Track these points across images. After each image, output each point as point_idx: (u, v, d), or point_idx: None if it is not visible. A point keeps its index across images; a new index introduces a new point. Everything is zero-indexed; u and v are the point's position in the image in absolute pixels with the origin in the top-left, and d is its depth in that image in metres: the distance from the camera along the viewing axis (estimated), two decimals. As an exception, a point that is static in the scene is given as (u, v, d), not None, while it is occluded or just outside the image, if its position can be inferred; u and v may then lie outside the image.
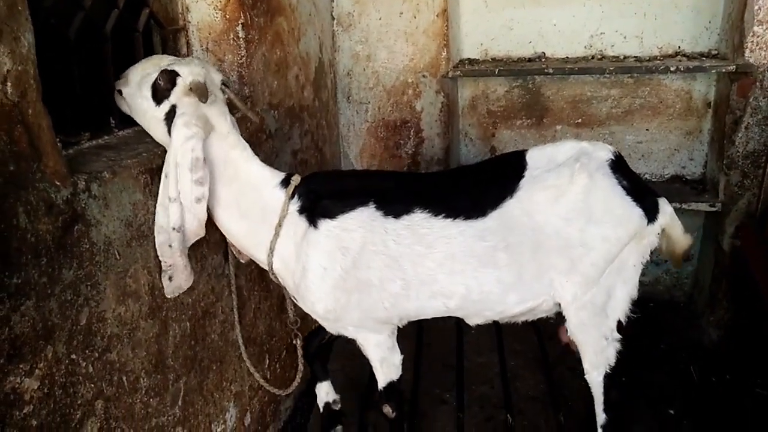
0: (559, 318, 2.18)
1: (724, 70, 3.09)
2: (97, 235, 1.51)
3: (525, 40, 3.61)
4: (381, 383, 2.26)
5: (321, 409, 2.52)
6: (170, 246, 1.75)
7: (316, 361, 2.47)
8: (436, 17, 3.32)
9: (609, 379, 2.21)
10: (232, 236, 2.03)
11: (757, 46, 2.94)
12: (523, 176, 2.04)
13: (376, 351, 2.19)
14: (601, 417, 2.27)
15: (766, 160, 3.03)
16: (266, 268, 2.04)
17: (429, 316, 2.16)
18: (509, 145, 3.74)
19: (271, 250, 1.98)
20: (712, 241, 3.33)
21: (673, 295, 3.75)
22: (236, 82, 2.37)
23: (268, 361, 2.60)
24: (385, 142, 3.58)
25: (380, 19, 3.38)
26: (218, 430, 2.18)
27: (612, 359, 2.18)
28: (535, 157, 2.09)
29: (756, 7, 2.89)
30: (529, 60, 3.60)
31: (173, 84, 1.78)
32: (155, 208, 1.75)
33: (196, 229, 1.81)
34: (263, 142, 2.45)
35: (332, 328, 2.15)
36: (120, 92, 1.88)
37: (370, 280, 1.99)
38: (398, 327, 2.21)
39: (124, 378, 1.64)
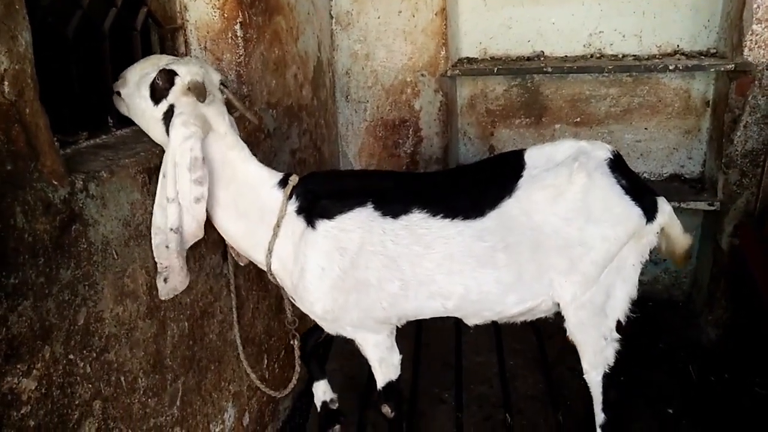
0: (558, 318, 2.17)
1: (722, 69, 3.09)
2: (94, 234, 1.51)
3: (524, 39, 3.60)
4: (380, 383, 2.26)
5: (318, 409, 2.52)
6: (167, 247, 1.74)
7: (313, 360, 2.46)
8: (434, 16, 3.32)
9: (608, 378, 2.21)
10: (230, 237, 2.03)
11: (755, 44, 2.94)
12: (521, 176, 2.04)
13: (374, 351, 2.19)
14: (600, 416, 2.27)
15: (765, 158, 3.03)
16: (264, 268, 2.04)
17: (427, 316, 2.16)
18: (508, 144, 3.74)
19: (270, 251, 1.98)
20: (711, 240, 3.33)
21: (671, 294, 3.75)
22: (234, 81, 2.36)
23: (266, 361, 2.59)
24: (383, 141, 3.58)
25: (379, 17, 3.38)
26: (216, 430, 2.18)
27: (611, 359, 2.18)
28: (533, 156, 2.09)
29: (755, 6, 2.88)
30: (528, 59, 3.59)
31: (171, 83, 1.77)
32: (153, 208, 1.75)
33: (195, 231, 1.80)
34: (262, 142, 2.45)
35: (330, 328, 2.15)
36: (118, 94, 1.87)
37: (368, 280, 1.98)
38: (397, 327, 2.21)
39: (122, 378, 1.64)
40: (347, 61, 3.48)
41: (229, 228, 1.97)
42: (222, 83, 1.92)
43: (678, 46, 3.45)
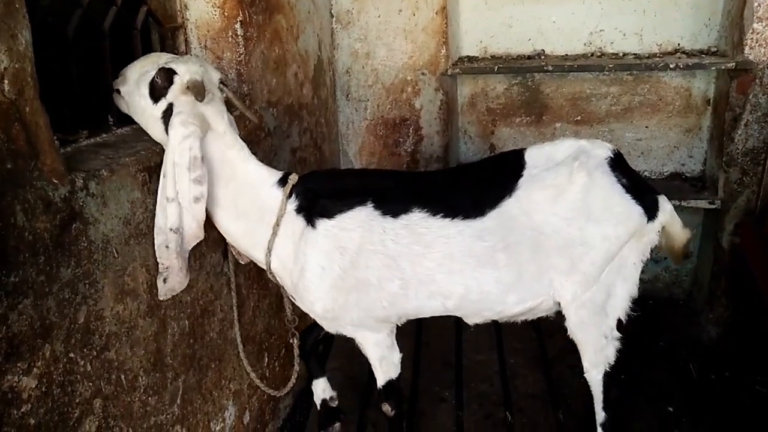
0: (558, 317, 2.17)
1: (723, 68, 3.09)
2: (95, 233, 1.51)
3: (524, 38, 3.60)
4: (380, 382, 2.26)
5: (318, 407, 2.52)
6: (167, 247, 1.74)
7: (312, 358, 2.46)
8: (435, 14, 3.32)
9: (608, 377, 2.20)
10: (230, 236, 2.03)
11: (756, 43, 2.94)
12: (521, 175, 2.03)
13: (375, 350, 2.19)
14: (600, 415, 2.27)
15: (766, 157, 3.03)
16: (264, 267, 2.04)
17: (427, 315, 2.16)
18: (508, 142, 3.73)
19: (269, 250, 1.98)
20: (712, 238, 3.33)
21: (672, 293, 3.75)
22: (235, 79, 2.36)
23: (267, 359, 2.60)
24: (384, 140, 3.58)
25: (379, 16, 3.38)
26: (217, 428, 2.18)
27: (612, 358, 2.18)
28: (533, 156, 2.09)
29: (755, 4, 2.88)
30: (529, 57, 3.59)
31: (170, 82, 1.77)
32: (154, 206, 1.75)
33: (195, 231, 1.79)
34: (262, 140, 2.45)
35: (331, 327, 2.15)
36: (118, 91, 1.87)
37: (368, 279, 1.98)
38: (397, 325, 2.21)
39: (123, 376, 1.64)
40: (348, 60, 3.48)
41: (229, 227, 1.98)
42: (221, 82, 1.92)
43: (679, 44, 3.45)
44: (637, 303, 2.17)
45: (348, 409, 2.70)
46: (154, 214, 1.76)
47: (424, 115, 3.48)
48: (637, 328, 2.27)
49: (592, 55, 3.53)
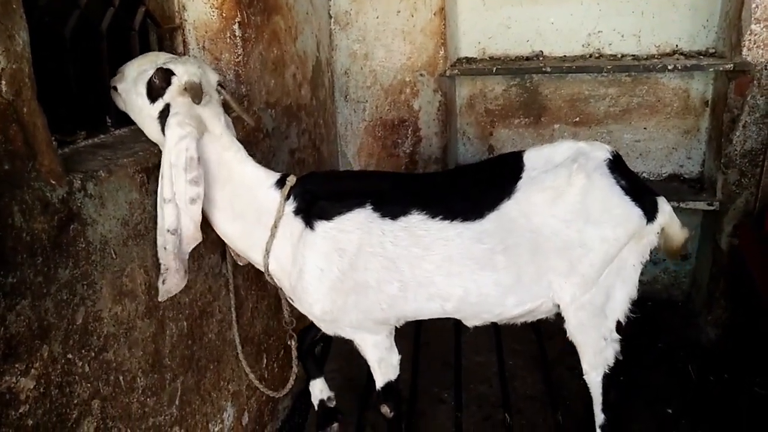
0: (557, 318, 2.17)
1: (721, 69, 3.09)
2: (93, 234, 1.51)
3: (523, 39, 3.60)
4: (379, 383, 2.25)
5: (315, 407, 2.51)
6: (165, 248, 1.74)
7: (309, 358, 2.46)
8: (433, 16, 3.32)
9: (608, 379, 2.20)
10: (228, 238, 2.02)
11: (754, 44, 2.94)
12: (520, 177, 2.03)
13: (373, 351, 2.19)
14: (599, 417, 2.27)
15: (764, 158, 3.03)
16: (262, 269, 2.03)
17: (426, 318, 2.15)
18: (507, 143, 3.74)
19: (267, 252, 1.97)
20: (710, 240, 3.33)
21: (671, 294, 3.75)
22: (233, 80, 2.36)
23: (265, 360, 2.59)
24: (382, 141, 3.58)
25: (377, 17, 3.38)
26: (215, 429, 2.17)
27: (611, 360, 2.18)
28: (532, 158, 2.08)
29: (753, 6, 2.88)
30: (527, 59, 3.59)
31: (168, 83, 1.76)
32: (152, 207, 1.75)
33: (192, 233, 1.79)
34: (260, 141, 2.45)
35: (329, 329, 2.14)
36: (115, 89, 1.87)
37: (367, 281, 1.98)
38: (396, 327, 2.21)
39: (121, 377, 1.63)
40: (346, 61, 3.48)
41: (226, 229, 1.97)
42: (219, 84, 1.91)
43: (677, 45, 3.45)
44: (636, 304, 2.17)
45: (347, 410, 2.69)
46: (152, 215, 1.76)
47: (423, 116, 3.48)
48: (635, 330, 2.27)
49: (591, 56, 3.53)
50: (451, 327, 3.32)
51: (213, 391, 2.15)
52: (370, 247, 1.95)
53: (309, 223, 1.95)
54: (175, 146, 1.72)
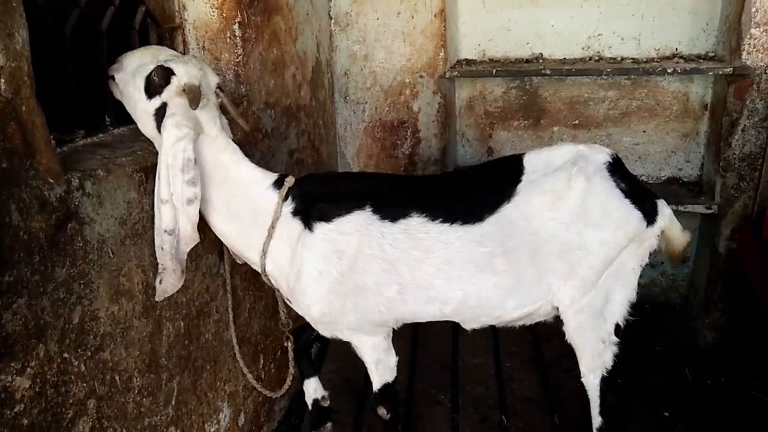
0: (555, 320, 2.17)
1: (721, 73, 3.10)
2: (90, 233, 1.50)
3: (522, 41, 3.61)
4: (376, 385, 2.25)
5: (309, 406, 2.51)
6: (162, 249, 1.73)
7: (303, 358, 2.45)
8: (433, 17, 3.32)
9: (606, 382, 2.20)
10: (225, 238, 2.02)
11: (754, 48, 2.94)
12: (520, 180, 2.03)
13: (371, 353, 2.18)
14: (597, 420, 2.26)
15: (763, 162, 3.04)
16: (259, 269, 2.03)
17: (424, 320, 2.15)
18: (506, 145, 3.74)
19: (264, 252, 1.97)
20: (708, 243, 3.33)
21: (668, 297, 3.75)
22: (233, 81, 2.36)
23: (262, 361, 2.59)
24: (382, 143, 3.58)
25: (378, 19, 3.38)
26: (212, 430, 2.17)
27: (609, 363, 2.18)
28: (532, 161, 2.08)
29: (753, 10, 2.89)
30: (527, 61, 3.59)
31: (167, 82, 1.75)
32: (150, 207, 1.75)
33: (190, 233, 1.78)
34: (259, 142, 2.45)
35: (326, 330, 2.14)
36: (113, 78, 1.85)
37: (366, 284, 1.98)
38: (393, 328, 2.20)
39: (117, 377, 1.63)
40: (346, 62, 3.48)
41: (223, 229, 1.97)
42: (219, 86, 1.90)
43: (676, 49, 3.45)
44: (634, 307, 2.17)
45: (344, 412, 2.69)
46: (150, 215, 1.75)
47: (422, 117, 3.48)
48: (633, 333, 2.27)
49: (590, 59, 3.54)
50: (449, 329, 3.32)
51: (209, 392, 2.15)
52: (370, 249, 1.95)
53: (308, 224, 1.94)
54: (172, 147, 1.71)
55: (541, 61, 3.58)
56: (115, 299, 1.61)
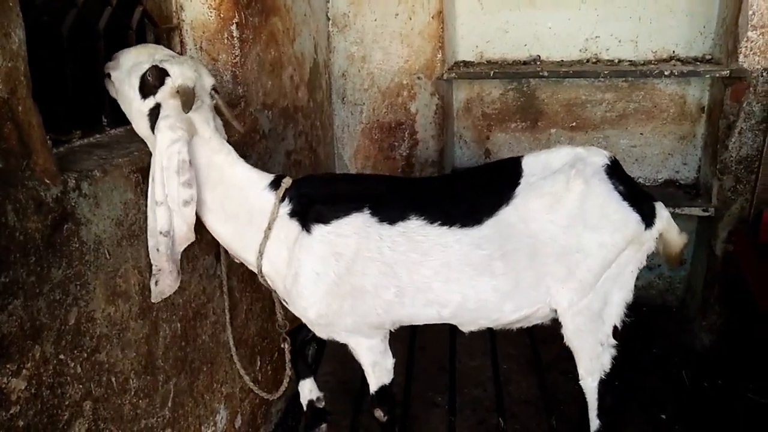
0: (552, 323, 2.17)
1: (718, 75, 3.10)
2: (87, 234, 1.49)
3: (520, 43, 3.61)
4: (373, 387, 2.25)
5: (304, 407, 2.50)
6: (158, 250, 1.73)
7: (299, 359, 2.44)
8: (431, 19, 3.32)
9: (603, 385, 2.20)
10: (221, 239, 2.01)
11: (750, 51, 2.95)
12: (519, 183, 2.03)
13: (368, 355, 2.18)
14: (594, 422, 2.27)
15: (759, 165, 3.04)
16: (255, 270, 2.02)
17: (422, 323, 2.15)
18: (504, 147, 3.74)
19: (260, 253, 1.96)
20: (705, 245, 3.33)
21: (665, 300, 3.75)
22: (230, 81, 2.35)
23: (259, 363, 2.58)
24: (379, 144, 3.57)
25: (375, 20, 3.37)
26: (208, 432, 2.16)
27: (607, 365, 2.18)
28: (530, 163, 2.08)
29: (750, 12, 2.89)
30: (524, 63, 3.60)
31: (161, 83, 1.73)
32: (146, 207, 1.74)
33: (186, 234, 1.78)
34: (257, 143, 2.44)
35: (323, 332, 2.13)
36: (109, 76, 1.83)
37: (364, 286, 1.97)
38: (390, 330, 2.20)
39: (113, 379, 1.62)
40: (343, 63, 3.48)
41: (219, 230, 1.96)
42: (214, 88, 1.89)
43: (674, 51, 3.46)
44: (631, 310, 2.17)
45: (340, 414, 2.69)
46: (146, 216, 1.74)
47: (420, 119, 3.48)
48: (630, 335, 2.27)
49: (588, 61, 3.54)
50: (446, 331, 3.31)
51: (206, 393, 2.14)
52: (368, 251, 1.94)
53: (305, 226, 1.93)
54: (167, 150, 1.70)
55: (538, 63, 3.58)
56: (112, 300, 1.60)
